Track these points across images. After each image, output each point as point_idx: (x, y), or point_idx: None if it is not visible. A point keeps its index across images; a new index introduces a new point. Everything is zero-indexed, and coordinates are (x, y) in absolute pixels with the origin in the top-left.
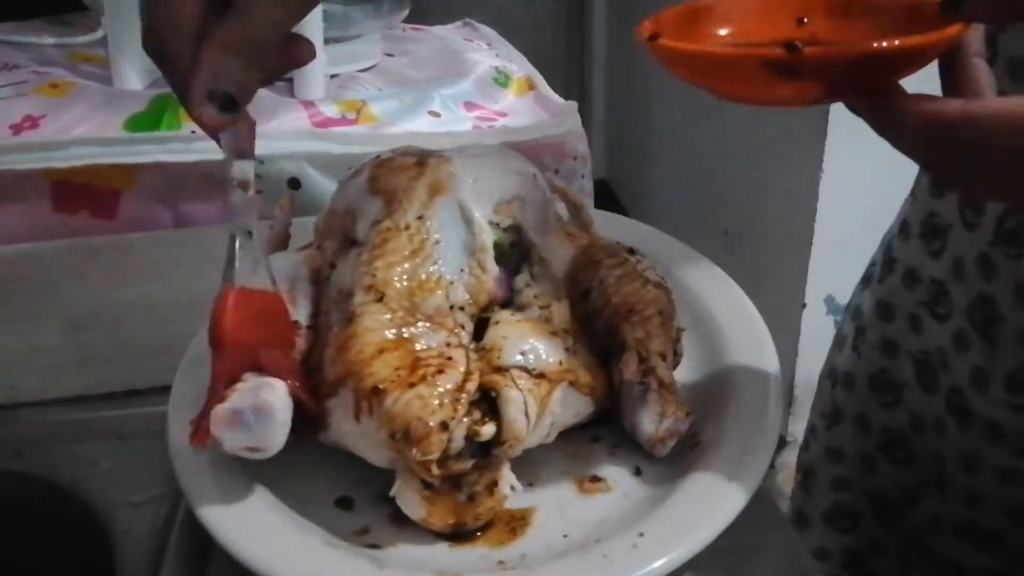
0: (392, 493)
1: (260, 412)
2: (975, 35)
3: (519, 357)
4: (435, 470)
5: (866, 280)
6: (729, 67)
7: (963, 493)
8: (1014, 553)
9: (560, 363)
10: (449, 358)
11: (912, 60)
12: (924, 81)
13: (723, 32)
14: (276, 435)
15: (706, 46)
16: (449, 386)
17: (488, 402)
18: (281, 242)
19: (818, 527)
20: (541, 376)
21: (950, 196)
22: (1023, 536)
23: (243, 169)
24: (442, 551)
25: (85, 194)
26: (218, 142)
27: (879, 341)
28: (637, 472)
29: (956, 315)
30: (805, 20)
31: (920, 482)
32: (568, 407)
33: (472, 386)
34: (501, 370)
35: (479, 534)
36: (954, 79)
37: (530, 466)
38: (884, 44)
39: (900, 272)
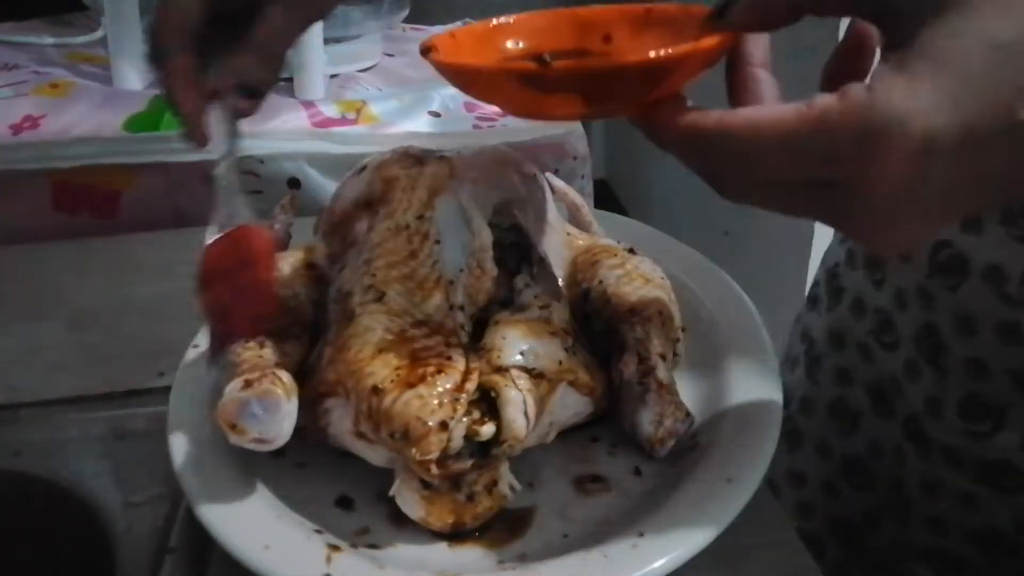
0: (391, 493)
1: (267, 403)
2: (757, 46)
3: (518, 357)
4: (434, 470)
5: (812, 301)
6: (489, 81)
7: (925, 518)
8: None
9: (559, 363)
10: (448, 358)
11: (665, 74)
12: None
13: (514, 45)
14: (282, 426)
15: (468, 63)
16: (448, 386)
17: (487, 402)
18: (282, 241)
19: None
20: (540, 376)
21: None
22: (985, 562)
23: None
24: (442, 551)
25: (85, 194)
26: (197, 130)
27: (833, 369)
28: (637, 472)
29: (904, 344)
30: (611, 36)
31: (881, 507)
32: (567, 407)
33: (471, 386)
34: (500, 370)
35: (479, 534)
36: (734, 90)
37: (530, 466)
38: (628, 59)
39: (848, 301)
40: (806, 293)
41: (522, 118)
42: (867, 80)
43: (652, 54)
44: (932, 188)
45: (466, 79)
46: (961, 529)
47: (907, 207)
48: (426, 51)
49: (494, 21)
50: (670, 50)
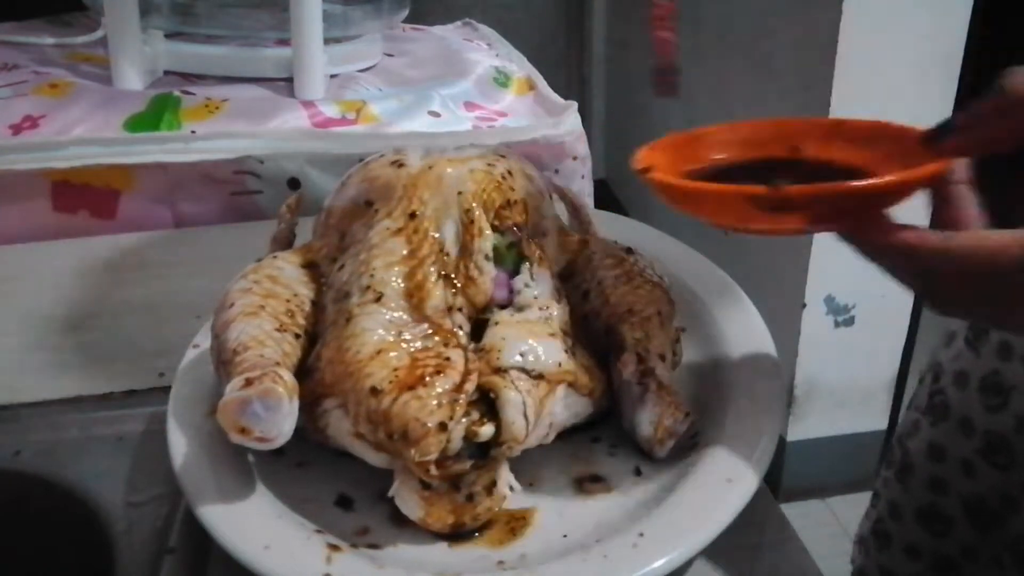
0: (390, 493)
1: (268, 402)
2: (960, 163)
3: (518, 358)
4: (433, 471)
5: None
6: (714, 201)
7: None
8: None
9: (559, 364)
10: (447, 359)
11: (889, 196)
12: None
13: (718, 156)
14: (284, 425)
15: (692, 183)
16: (447, 387)
17: (487, 403)
18: (285, 241)
19: (910, 523)
20: (540, 377)
21: None
22: None
23: None
24: (441, 551)
25: (85, 194)
26: None
27: (997, 344)
28: (637, 472)
29: None
30: (799, 147)
31: (1021, 486)
32: (567, 408)
33: (470, 387)
34: (500, 371)
35: (478, 534)
36: (938, 210)
37: (530, 466)
38: (860, 183)
39: None
40: (806, 293)
41: (739, 233)
42: None
43: (887, 180)
44: None
45: (688, 199)
46: None
47: None
48: (643, 171)
49: (694, 131)
50: (902, 175)
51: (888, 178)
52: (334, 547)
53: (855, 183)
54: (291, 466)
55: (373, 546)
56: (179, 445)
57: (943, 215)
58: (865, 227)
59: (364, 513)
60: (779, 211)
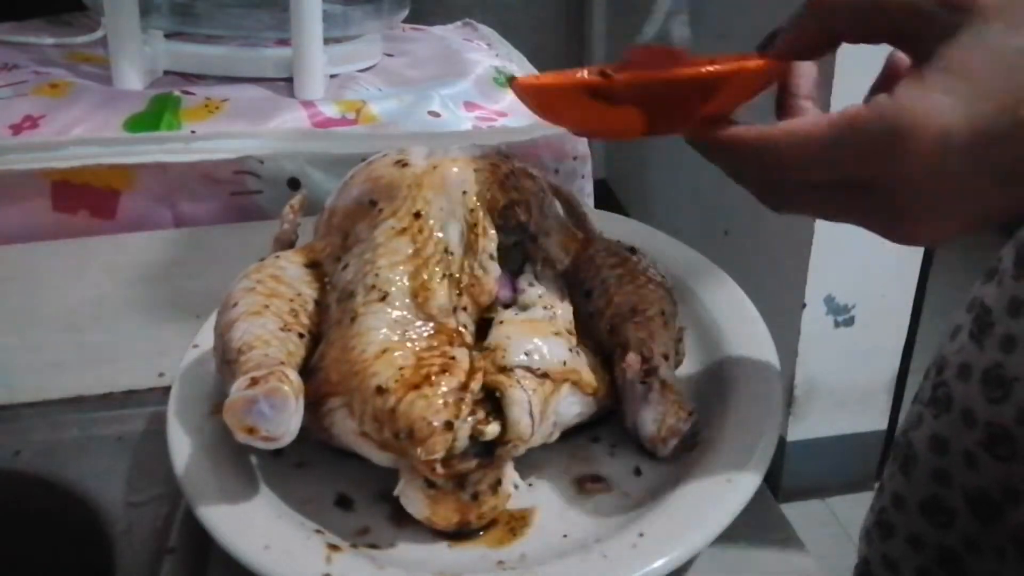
0: (396, 492)
1: (274, 401)
2: (805, 80)
3: (523, 357)
4: (439, 469)
5: (989, 275)
6: (559, 97)
7: None
8: None
9: (564, 363)
10: (452, 358)
11: (718, 88)
12: None
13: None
14: (290, 424)
15: (540, 80)
16: (453, 386)
17: (492, 402)
18: (288, 241)
19: (914, 514)
20: (545, 376)
21: None
22: None
23: None
24: (442, 551)
25: (85, 194)
26: None
27: (1003, 338)
28: (637, 472)
29: None
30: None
31: (1022, 478)
32: (571, 407)
33: (476, 386)
34: (505, 370)
35: (479, 534)
36: (781, 118)
37: (531, 466)
38: (680, 71)
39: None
40: (806, 293)
41: (588, 137)
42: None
43: (704, 68)
44: (949, 181)
45: (538, 95)
46: None
47: (929, 200)
48: (511, 79)
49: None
50: (720, 66)
51: (708, 68)
52: (334, 547)
53: (676, 71)
54: (291, 466)
55: (373, 546)
56: (179, 445)
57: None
58: (702, 128)
59: (364, 513)
60: (614, 102)
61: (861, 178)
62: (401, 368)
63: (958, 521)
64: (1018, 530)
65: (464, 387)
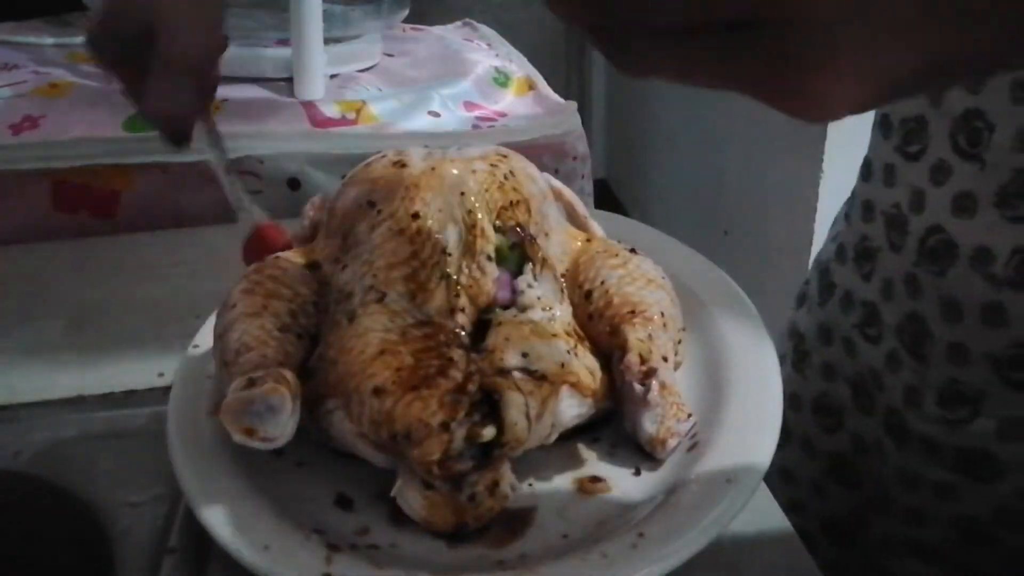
0: (393, 493)
1: (272, 402)
2: None
3: (521, 359)
4: (436, 471)
5: (801, 299)
6: None
7: (905, 512)
8: (962, 567)
9: (562, 365)
10: (450, 359)
11: None
12: None
13: None
14: (287, 425)
15: None
16: (450, 388)
17: (489, 403)
18: (309, 239)
19: None
20: (543, 378)
21: (879, 219)
22: (968, 550)
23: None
24: (441, 551)
25: (85, 194)
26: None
27: (820, 365)
28: (637, 472)
29: (887, 336)
30: None
31: (867, 502)
32: (569, 408)
33: (473, 387)
34: (503, 372)
35: (479, 534)
36: None
37: (530, 466)
38: None
39: (838, 296)
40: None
41: None
42: None
43: None
44: (874, 18)
45: None
46: (940, 520)
47: (834, 39)
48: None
49: None
50: None
51: None
52: (334, 547)
53: None
54: (291, 466)
55: (373, 546)
56: (179, 445)
57: None
58: None
59: (364, 513)
60: None
61: (751, 14)
62: (399, 369)
63: (819, 549)
64: (873, 554)
65: (461, 389)
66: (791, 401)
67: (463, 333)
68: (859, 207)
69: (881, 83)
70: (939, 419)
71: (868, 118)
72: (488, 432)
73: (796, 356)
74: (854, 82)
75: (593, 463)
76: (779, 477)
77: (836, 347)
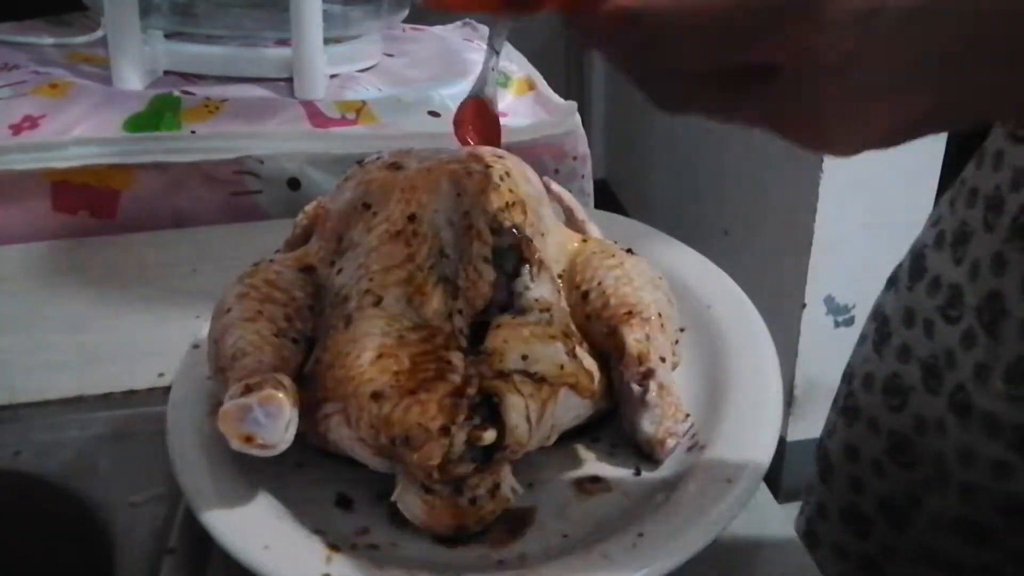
0: (393, 498)
1: (269, 408)
2: None
3: (520, 361)
4: (436, 475)
5: (891, 282)
6: None
7: (959, 489)
8: (1006, 550)
9: (561, 367)
10: (448, 362)
11: None
12: None
13: None
14: (285, 431)
15: None
16: (449, 391)
17: (489, 406)
18: (300, 243)
19: (836, 524)
20: (542, 380)
21: (980, 203)
22: (1012, 532)
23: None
24: (442, 551)
25: (85, 194)
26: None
27: (899, 346)
28: (637, 472)
29: (966, 316)
30: None
31: (924, 482)
32: (569, 410)
33: (472, 391)
34: (502, 375)
35: (479, 536)
36: None
37: (530, 466)
38: None
39: (927, 280)
40: (806, 293)
41: (450, 11)
42: None
43: None
44: (875, 68)
45: None
46: (992, 499)
47: (846, 89)
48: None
49: None
50: None
51: None
52: (334, 547)
53: None
54: (291, 467)
55: (373, 546)
56: (179, 445)
57: None
58: (576, 4)
59: (364, 513)
60: None
61: (765, 62)
62: (396, 373)
63: (874, 529)
64: (922, 536)
65: (460, 392)
66: (864, 380)
67: (461, 335)
68: (965, 194)
69: (894, 130)
70: (1005, 395)
71: None
72: (489, 435)
73: (877, 337)
74: (866, 130)
75: (593, 463)
76: (845, 454)
77: (916, 329)
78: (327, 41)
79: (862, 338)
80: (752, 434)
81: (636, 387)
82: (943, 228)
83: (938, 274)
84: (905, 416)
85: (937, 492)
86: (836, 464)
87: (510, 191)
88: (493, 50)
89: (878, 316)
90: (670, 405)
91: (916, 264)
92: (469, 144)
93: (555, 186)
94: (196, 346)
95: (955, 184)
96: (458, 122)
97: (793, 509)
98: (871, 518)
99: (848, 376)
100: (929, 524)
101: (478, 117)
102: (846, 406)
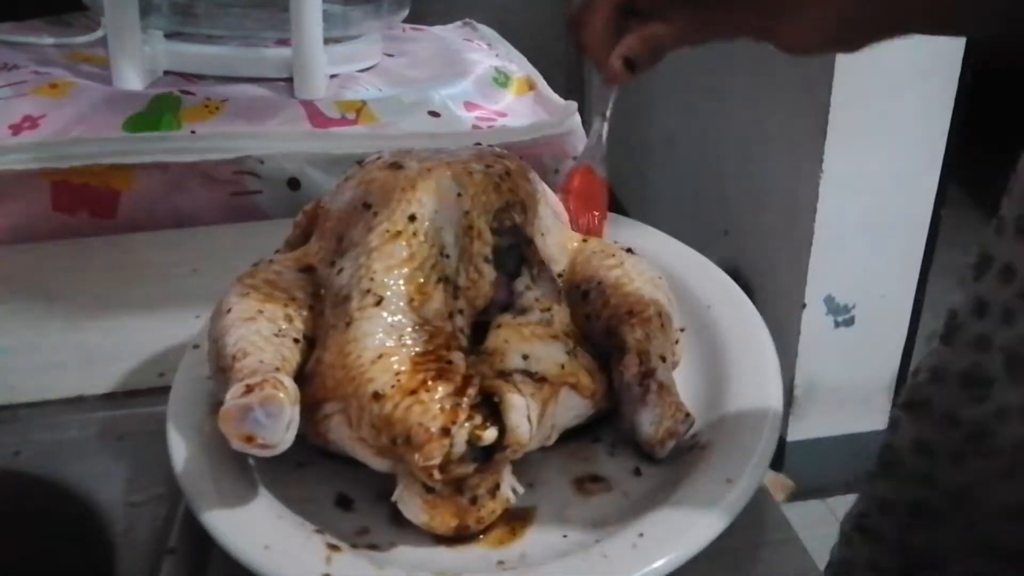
0: (394, 499)
1: (270, 409)
2: None
3: (521, 361)
4: (437, 475)
5: (962, 279)
6: None
7: None
8: None
9: (562, 367)
10: (449, 362)
11: None
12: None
13: None
14: (286, 431)
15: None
16: (449, 391)
17: (489, 406)
18: (299, 243)
19: (903, 518)
20: (543, 380)
21: None
22: None
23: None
24: (442, 551)
25: (85, 194)
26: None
27: (974, 337)
28: (637, 472)
29: None
30: None
31: (1000, 473)
32: (569, 410)
33: (473, 390)
34: (503, 374)
35: (479, 536)
36: None
37: (530, 466)
38: None
39: (996, 269)
40: (806, 293)
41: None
42: None
43: None
44: None
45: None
46: None
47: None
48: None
49: None
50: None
51: None
52: (334, 547)
53: None
54: (291, 466)
55: (373, 546)
56: (179, 445)
57: None
58: None
59: (364, 513)
60: None
61: None
62: (397, 373)
63: (945, 523)
64: (991, 528)
65: (461, 392)
66: (933, 374)
67: (461, 335)
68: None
69: (831, 31)
70: None
71: (871, 119)
72: (489, 435)
73: (946, 331)
74: (811, 29)
75: (593, 463)
76: (914, 450)
77: (992, 319)
78: (327, 41)
79: (929, 337)
80: (752, 434)
81: (636, 387)
82: (1002, 214)
83: (1008, 262)
84: (987, 407)
85: (1014, 481)
86: (905, 459)
87: (510, 191)
88: (603, 117)
89: (947, 312)
90: (670, 405)
91: (981, 256)
92: (570, 209)
93: (551, 187)
94: (196, 346)
95: (1015, 173)
96: (566, 189)
97: (794, 509)
98: (943, 512)
99: (913, 372)
100: (1001, 514)
101: (586, 184)
102: (912, 400)
